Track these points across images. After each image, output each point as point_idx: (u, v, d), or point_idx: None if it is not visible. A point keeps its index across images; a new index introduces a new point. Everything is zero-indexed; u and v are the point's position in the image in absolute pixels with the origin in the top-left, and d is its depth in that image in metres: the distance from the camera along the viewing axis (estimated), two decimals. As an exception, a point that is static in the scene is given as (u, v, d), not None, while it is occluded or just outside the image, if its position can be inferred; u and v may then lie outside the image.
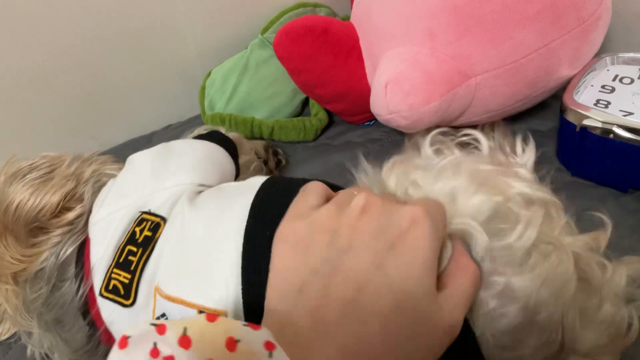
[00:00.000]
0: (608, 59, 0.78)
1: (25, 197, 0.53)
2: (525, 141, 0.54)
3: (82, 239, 0.52)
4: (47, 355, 0.55)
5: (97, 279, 0.49)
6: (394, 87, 0.70)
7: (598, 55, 0.77)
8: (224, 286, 0.42)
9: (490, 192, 0.43)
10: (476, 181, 0.44)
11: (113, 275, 0.48)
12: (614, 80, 0.74)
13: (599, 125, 0.66)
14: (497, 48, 0.68)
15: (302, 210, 0.41)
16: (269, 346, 0.29)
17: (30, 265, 0.52)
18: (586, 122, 0.67)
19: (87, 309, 0.49)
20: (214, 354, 0.28)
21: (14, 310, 0.53)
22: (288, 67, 0.83)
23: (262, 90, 0.93)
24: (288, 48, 0.80)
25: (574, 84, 0.73)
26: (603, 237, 0.45)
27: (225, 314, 0.42)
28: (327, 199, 0.42)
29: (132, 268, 0.47)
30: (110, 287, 0.48)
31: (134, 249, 0.48)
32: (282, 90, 0.93)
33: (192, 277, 0.44)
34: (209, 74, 0.98)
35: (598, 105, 0.69)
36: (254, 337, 0.30)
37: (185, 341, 0.28)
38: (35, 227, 0.53)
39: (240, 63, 0.95)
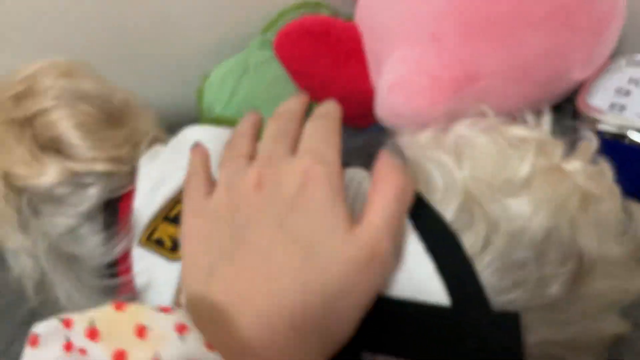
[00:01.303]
0: (623, 60, 0.74)
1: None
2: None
3: (128, 186, 0.53)
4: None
5: (138, 228, 0.50)
6: (398, 90, 0.67)
7: (612, 56, 0.75)
8: None
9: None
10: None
11: (159, 229, 0.49)
12: (629, 82, 0.71)
13: (614, 129, 0.64)
14: (505, 50, 0.66)
15: (196, 207, 0.43)
16: (181, 329, 0.30)
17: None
18: (600, 126, 0.65)
19: (112, 256, 0.49)
20: (124, 343, 0.29)
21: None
22: (289, 68, 0.81)
23: (263, 91, 0.90)
24: (288, 49, 0.79)
25: (587, 87, 0.70)
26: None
27: None
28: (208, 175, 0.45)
29: None
30: (154, 237, 0.48)
31: None
32: (283, 92, 0.90)
33: None
34: (208, 75, 0.96)
35: (613, 108, 0.67)
36: (164, 322, 0.30)
37: (93, 333, 0.29)
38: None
39: (240, 64, 0.93)
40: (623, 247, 0.44)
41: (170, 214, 0.49)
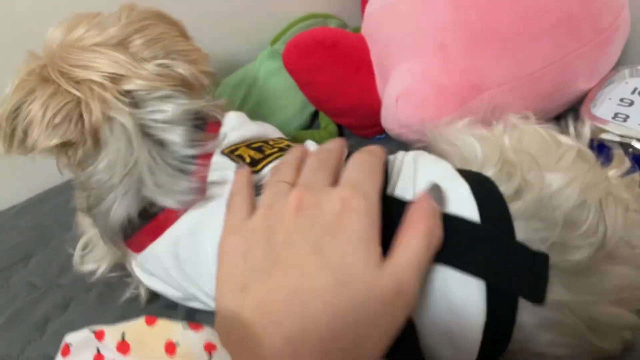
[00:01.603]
0: (627, 71, 0.75)
1: None
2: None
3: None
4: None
5: (224, 143, 0.57)
6: (405, 101, 0.68)
7: (616, 67, 0.76)
8: None
9: None
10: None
11: (241, 150, 0.55)
12: (632, 93, 0.72)
13: (617, 139, 0.64)
14: (511, 61, 0.67)
15: (235, 224, 0.44)
16: (209, 347, 0.30)
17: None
18: (604, 135, 0.65)
19: (196, 151, 0.54)
20: (153, 359, 0.29)
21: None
22: (297, 79, 0.82)
23: (271, 101, 0.92)
24: (297, 60, 0.79)
25: (591, 97, 0.71)
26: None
27: None
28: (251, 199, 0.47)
29: (265, 153, 0.55)
30: (236, 153, 0.55)
31: (269, 147, 0.57)
32: (291, 102, 0.91)
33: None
34: (218, 84, 0.97)
35: (616, 118, 0.68)
36: (193, 340, 0.30)
37: (123, 346, 0.29)
38: None
39: (250, 74, 0.94)
40: None
41: (252, 145, 0.57)
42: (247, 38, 1.01)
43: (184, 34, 0.65)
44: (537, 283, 0.43)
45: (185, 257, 0.54)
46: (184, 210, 0.53)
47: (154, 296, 0.67)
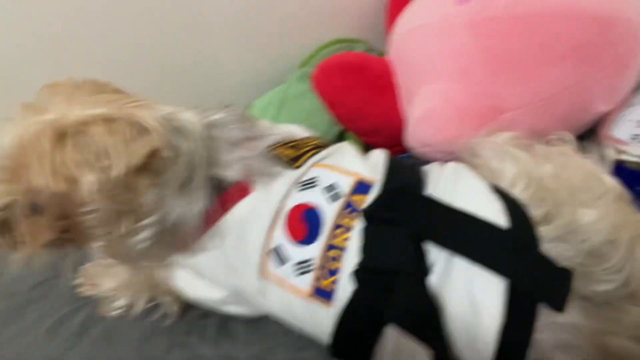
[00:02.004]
0: (646, 93, 0.77)
1: None
2: None
3: None
4: None
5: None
6: (427, 121, 0.71)
7: (636, 89, 0.77)
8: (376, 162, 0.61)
9: None
10: None
11: (278, 150, 0.62)
12: (651, 115, 0.73)
13: (636, 159, 0.66)
14: (529, 85, 0.69)
15: None
16: None
17: None
18: (622, 157, 0.67)
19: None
20: None
21: None
22: (325, 100, 0.86)
23: (299, 122, 0.94)
24: (325, 83, 0.83)
25: (610, 119, 0.73)
26: None
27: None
28: None
29: (302, 150, 0.63)
30: (273, 153, 0.62)
31: (304, 145, 0.65)
32: (318, 123, 0.95)
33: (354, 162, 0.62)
34: (248, 106, 1.01)
35: (636, 139, 0.69)
36: None
37: None
38: None
39: (279, 96, 0.98)
40: None
41: (288, 144, 0.64)
42: (277, 61, 1.06)
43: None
44: (560, 291, 0.45)
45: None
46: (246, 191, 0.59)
47: (185, 309, 0.71)
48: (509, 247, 0.48)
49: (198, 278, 0.65)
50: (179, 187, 0.57)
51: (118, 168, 0.52)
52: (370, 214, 0.55)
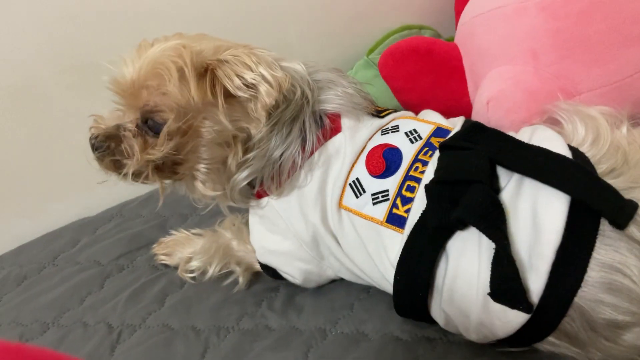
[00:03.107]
0: None
1: None
2: None
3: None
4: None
5: None
6: (495, 104, 0.71)
7: None
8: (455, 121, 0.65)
9: None
10: None
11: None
12: None
13: None
14: (602, 67, 0.68)
15: None
16: None
17: None
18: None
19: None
20: None
21: None
22: (392, 86, 0.87)
23: (367, 108, 0.97)
24: (393, 68, 0.84)
25: (685, 103, 0.71)
26: None
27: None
28: None
29: (386, 109, 0.70)
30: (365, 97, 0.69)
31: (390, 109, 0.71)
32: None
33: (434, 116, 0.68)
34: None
35: None
36: None
37: None
38: None
39: (347, 82, 1.00)
40: None
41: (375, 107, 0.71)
42: (345, 48, 1.08)
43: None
44: (622, 210, 0.47)
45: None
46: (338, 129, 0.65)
47: (252, 281, 0.76)
48: (576, 173, 0.50)
49: (273, 232, 0.69)
50: (287, 125, 0.63)
51: (276, 88, 0.59)
52: (446, 144, 0.58)
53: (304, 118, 0.63)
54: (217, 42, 0.64)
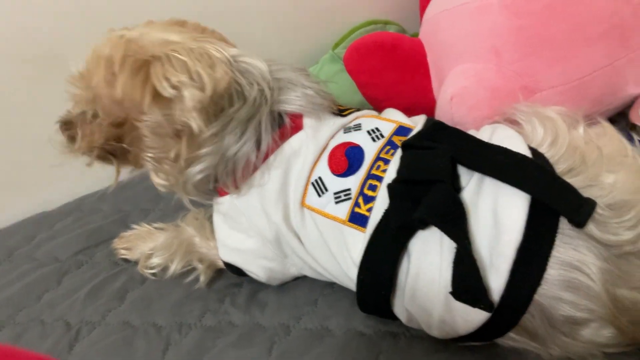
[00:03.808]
0: (679, 76, 0.76)
1: None
2: None
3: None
4: None
5: None
6: (458, 101, 0.72)
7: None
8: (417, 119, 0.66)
9: None
10: None
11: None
12: (684, 97, 0.73)
13: (666, 142, 0.66)
14: (562, 66, 0.70)
15: None
16: None
17: None
18: (653, 138, 0.67)
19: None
20: None
21: None
22: (357, 81, 0.87)
23: (332, 102, 0.97)
24: (358, 63, 0.84)
25: (641, 102, 0.73)
26: None
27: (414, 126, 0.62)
28: None
29: (348, 108, 0.70)
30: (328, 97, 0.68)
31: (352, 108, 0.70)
32: (350, 103, 0.95)
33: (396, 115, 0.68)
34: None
35: (666, 122, 0.69)
36: None
37: None
38: None
39: (312, 76, 1.00)
40: None
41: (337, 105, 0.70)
42: (311, 43, 1.07)
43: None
44: (581, 209, 0.48)
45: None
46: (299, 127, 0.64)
47: (213, 278, 0.75)
48: (535, 172, 0.50)
49: (236, 230, 0.68)
50: (242, 124, 0.62)
51: (208, 89, 0.57)
52: (408, 143, 0.59)
53: (260, 118, 0.62)
54: (175, 33, 0.63)
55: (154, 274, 0.77)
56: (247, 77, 0.62)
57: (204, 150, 0.63)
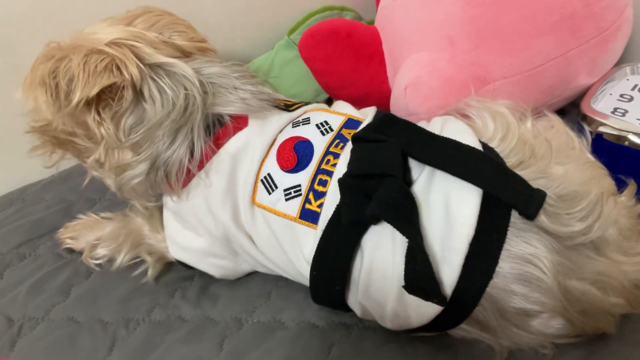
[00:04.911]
0: (628, 68, 0.78)
1: None
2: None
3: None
4: None
5: None
6: (412, 90, 0.72)
7: (618, 64, 0.78)
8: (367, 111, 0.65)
9: None
10: None
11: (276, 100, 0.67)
12: (633, 89, 0.75)
13: (615, 132, 0.67)
14: (515, 56, 0.70)
15: None
16: None
17: None
18: (602, 129, 0.68)
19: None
20: None
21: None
22: (312, 68, 0.86)
23: (286, 89, 0.95)
24: (313, 49, 0.83)
25: (592, 92, 0.74)
26: None
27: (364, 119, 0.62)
28: None
29: (296, 103, 0.67)
30: (273, 97, 0.66)
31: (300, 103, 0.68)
32: (304, 90, 0.95)
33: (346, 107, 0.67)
34: (236, 72, 1.01)
35: (615, 113, 0.70)
36: None
37: None
38: None
39: (266, 63, 0.98)
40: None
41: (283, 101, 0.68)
42: (265, 29, 1.05)
43: (186, 25, 0.72)
44: (532, 200, 0.48)
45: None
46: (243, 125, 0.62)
47: (163, 271, 0.73)
48: (486, 165, 0.50)
49: (186, 228, 0.67)
50: (173, 128, 0.60)
51: (76, 95, 0.57)
52: (358, 136, 0.58)
53: (193, 123, 0.60)
54: (120, 31, 0.63)
55: (99, 265, 0.74)
56: (172, 82, 0.61)
57: (134, 158, 0.62)
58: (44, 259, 0.79)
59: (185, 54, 0.67)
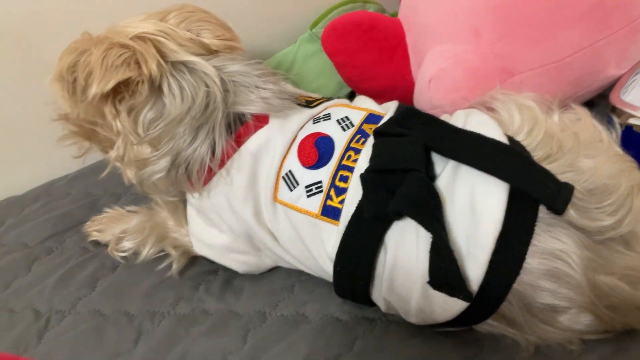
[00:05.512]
0: (658, 58, 0.76)
1: None
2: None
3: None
4: None
5: None
6: (436, 83, 0.71)
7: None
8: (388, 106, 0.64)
9: None
10: None
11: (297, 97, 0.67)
12: (663, 80, 0.73)
13: (645, 124, 0.66)
14: (541, 47, 0.68)
15: None
16: None
17: None
18: (632, 120, 0.66)
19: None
20: None
21: None
22: (335, 61, 0.85)
23: (309, 83, 0.95)
24: (335, 43, 0.82)
25: (621, 84, 0.72)
26: None
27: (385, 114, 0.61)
28: None
29: (317, 99, 0.68)
30: (294, 95, 0.66)
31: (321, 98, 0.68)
32: (327, 84, 0.95)
33: (367, 102, 0.66)
34: (259, 67, 1.01)
35: (645, 105, 0.69)
36: None
37: None
38: None
39: (289, 56, 0.98)
40: None
41: (305, 97, 0.68)
42: (287, 22, 1.05)
43: (219, 22, 0.72)
44: (560, 195, 0.47)
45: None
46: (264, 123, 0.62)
47: (187, 265, 0.73)
48: (512, 159, 0.49)
49: (208, 224, 0.67)
50: (193, 126, 0.60)
51: (92, 90, 0.58)
52: (379, 130, 0.57)
53: (213, 123, 0.60)
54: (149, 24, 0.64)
55: (125, 258, 0.75)
56: (193, 79, 0.61)
57: (153, 153, 0.62)
58: (70, 252, 0.81)
59: (210, 52, 0.67)
